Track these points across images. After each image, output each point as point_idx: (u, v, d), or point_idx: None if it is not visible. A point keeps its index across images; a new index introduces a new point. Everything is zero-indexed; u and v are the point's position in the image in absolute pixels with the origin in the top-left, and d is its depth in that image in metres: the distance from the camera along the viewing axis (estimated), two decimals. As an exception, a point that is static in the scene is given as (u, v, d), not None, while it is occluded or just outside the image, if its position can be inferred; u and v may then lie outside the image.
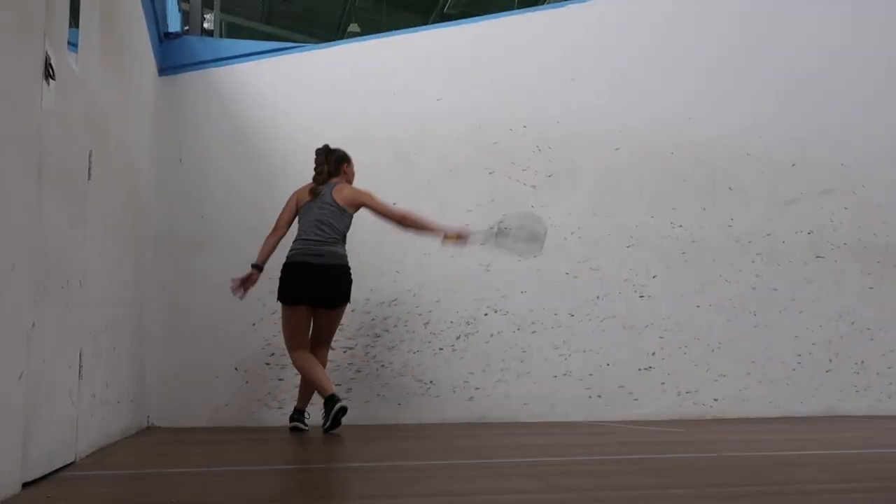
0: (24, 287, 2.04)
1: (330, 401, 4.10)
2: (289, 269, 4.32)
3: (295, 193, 4.50)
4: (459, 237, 4.46)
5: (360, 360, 5.20)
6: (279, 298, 4.34)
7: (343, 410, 4.08)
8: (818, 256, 5.95)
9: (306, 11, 17.01)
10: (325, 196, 4.39)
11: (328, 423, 4.09)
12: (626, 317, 5.59)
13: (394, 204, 4.73)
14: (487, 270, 5.48)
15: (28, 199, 2.09)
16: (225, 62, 5.43)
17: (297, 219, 4.46)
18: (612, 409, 5.46)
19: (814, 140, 6.07)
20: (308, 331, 4.38)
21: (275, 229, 4.45)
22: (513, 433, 4.27)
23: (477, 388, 5.33)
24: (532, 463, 2.81)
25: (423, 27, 5.94)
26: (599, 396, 5.47)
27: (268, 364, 5.11)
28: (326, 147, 4.54)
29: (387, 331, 5.25)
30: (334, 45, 5.74)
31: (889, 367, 5.93)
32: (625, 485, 2.20)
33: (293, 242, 4.40)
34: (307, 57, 5.59)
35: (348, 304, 4.44)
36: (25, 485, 2.10)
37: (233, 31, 16.69)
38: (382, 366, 5.21)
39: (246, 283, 4.43)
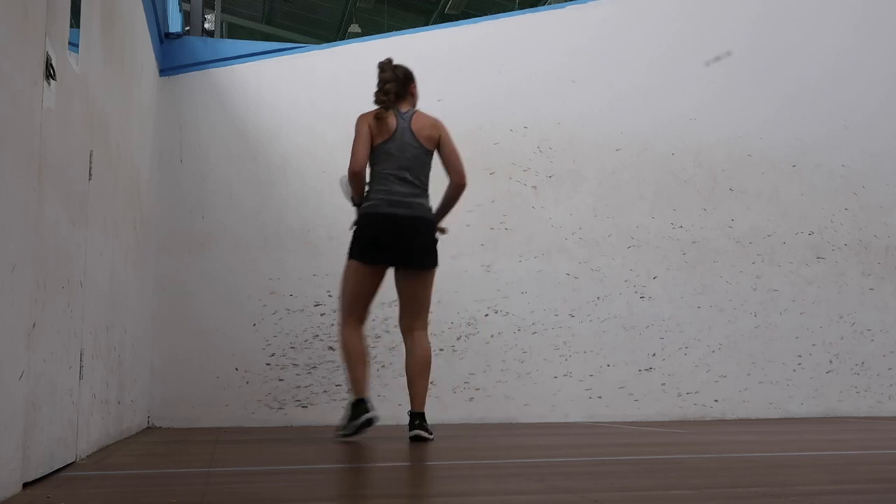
0: (25, 287, 2.04)
1: (359, 406, 3.63)
2: (369, 219, 3.66)
3: (364, 121, 3.73)
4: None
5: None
6: (351, 254, 3.72)
7: (370, 423, 3.62)
8: (819, 258, 5.95)
9: (307, 12, 17.02)
10: (404, 132, 3.72)
11: (346, 430, 3.64)
12: (627, 317, 5.59)
13: None
14: (488, 271, 5.48)
15: (28, 199, 2.09)
16: (225, 62, 5.43)
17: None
18: (613, 410, 5.46)
19: (814, 141, 6.07)
20: (370, 301, 3.76)
21: (356, 165, 3.65)
22: (513, 434, 4.27)
23: (477, 389, 5.33)
24: (532, 464, 2.81)
25: (424, 28, 5.94)
26: (600, 397, 5.47)
27: (268, 364, 5.11)
28: (390, 61, 3.81)
29: (387, 331, 5.24)
30: (335, 46, 5.74)
31: (889, 369, 5.93)
32: (625, 486, 2.20)
33: (371, 188, 3.75)
34: (308, 57, 5.59)
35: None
36: (26, 485, 2.10)
37: (233, 32, 16.70)
38: (383, 366, 5.20)
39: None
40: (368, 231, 3.67)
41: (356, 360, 3.69)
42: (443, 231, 3.92)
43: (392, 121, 3.74)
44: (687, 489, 2.11)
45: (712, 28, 6.11)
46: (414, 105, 3.90)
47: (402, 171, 3.69)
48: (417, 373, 3.71)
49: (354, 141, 3.71)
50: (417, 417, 3.66)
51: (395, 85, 3.77)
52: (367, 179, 3.77)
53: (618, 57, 5.92)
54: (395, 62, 3.86)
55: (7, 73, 1.92)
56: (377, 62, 3.85)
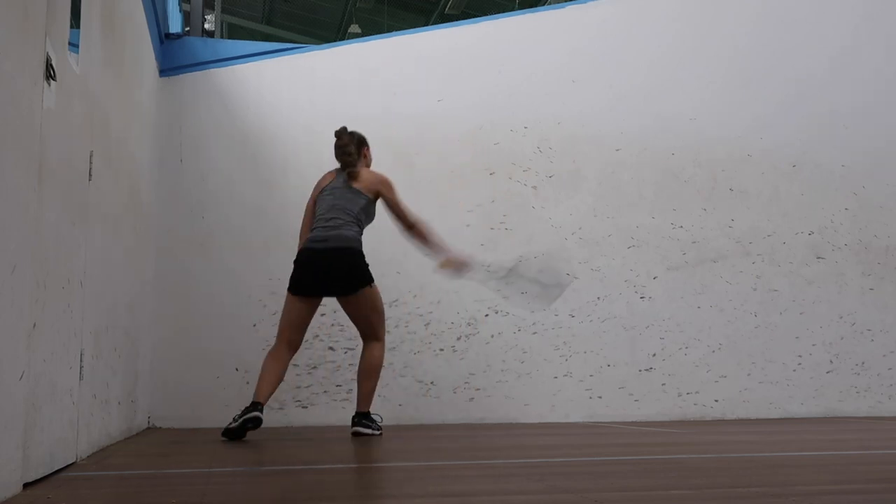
0: (25, 287, 2.04)
1: (252, 407, 3.83)
2: (297, 258, 4.13)
3: (315, 185, 4.31)
4: (460, 265, 4.31)
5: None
6: (288, 288, 4.13)
7: (255, 421, 3.79)
8: (819, 258, 5.95)
9: (307, 12, 17.02)
10: (338, 179, 4.21)
11: (234, 423, 3.81)
12: (627, 318, 5.59)
13: None
14: (488, 271, 5.47)
15: (29, 199, 2.09)
16: (226, 63, 5.43)
17: None
18: (613, 410, 5.46)
19: (814, 141, 6.07)
20: (302, 327, 4.10)
21: (303, 225, 4.25)
22: (513, 434, 4.27)
23: (477, 389, 5.33)
24: (532, 464, 2.81)
25: (424, 28, 5.95)
26: (600, 397, 5.47)
27: (268, 365, 5.11)
28: (344, 129, 4.28)
29: (388, 331, 5.23)
30: (335, 46, 5.75)
31: (889, 369, 5.93)
32: (625, 486, 2.20)
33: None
34: (308, 58, 5.59)
35: (370, 288, 4.10)
36: (26, 485, 2.10)
37: (234, 32, 16.70)
38: (383, 366, 5.19)
39: None
40: (297, 266, 4.11)
41: (270, 366, 4.02)
42: (461, 266, 4.29)
43: (335, 175, 4.26)
44: (687, 489, 2.11)
45: (712, 28, 6.11)
46: (367, 166, 4.37)
47: (330, 211, 4.13)
48: (361, 377, 4.14)
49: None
50: (357, 416, 4.09)
51: (352, 148, 4.24)
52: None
53: (618, 57, 5.92)
54: (350, 129, 4.32)
55: (7, 74, 1.92)
56: (333, 131, 4.28)
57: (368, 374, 4.15)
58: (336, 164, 4.35)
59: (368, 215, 4.22)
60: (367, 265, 4.12)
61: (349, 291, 4.06)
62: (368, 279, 4.09)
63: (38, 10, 2.17)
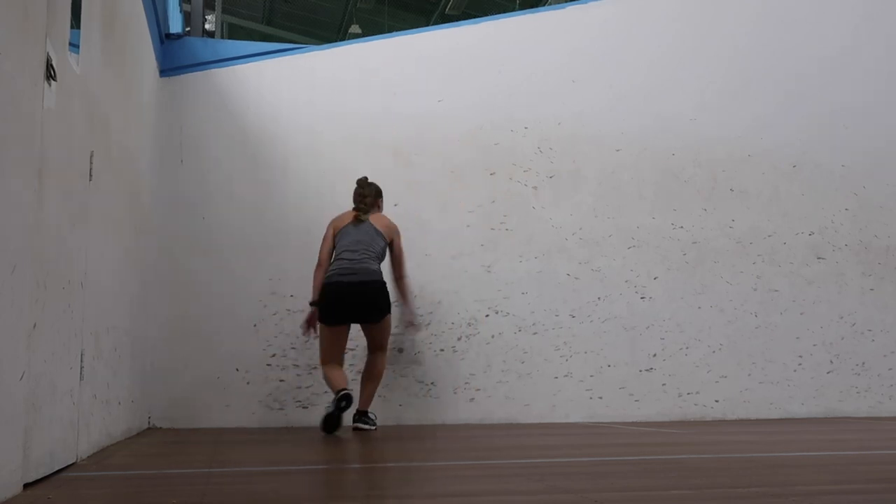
0: (26, 288, 2.05)
1: (339, 394, 4.20)
2: (326, 289, 4.42)
3: (331, 223, 4.63)
4: (411, 326, 4.85)
5: (361, 362, 5.19)
6: (319, 318, 4.46)
7: (347, 398, 4.16)
8: (819, 258, 5.95)
9: (308, 13, 17.02)
10: (365, 222, 4.57)
11: (332, 407, 4.17)
12: (627, 318, 5.59)
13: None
14: (488, 272, 5.48)
15: (29, 199, 2.09)
16: (226, 63, 5.43)
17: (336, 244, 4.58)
18: (613, 411, 5.46)
19: (814, 142, 6.07)
20: (343, 349, 4.52)
21: (319, 264, 4.54)
22: (514, 434, 4.27)
23: (478, 390, 5.33)
24: (533, 464, 2.81)
25: (424, 28, 5.94)
26: (600, 398, 5.47)
27: (269, 365, 5.11)
28: (366, 179, 4.73)
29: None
30: (335, 47, 5.75)
31: (890, 369, 5.93)
32: (625, 486, 2.20)
33: (331, 264, 4.51)
34: (308, 58, 5.59)
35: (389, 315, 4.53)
36: (27, 485, 2.10)
37: (234, 33, 16.70)
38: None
39: (311, 321, 4.58)
40: (325, 299, 4.43)
41: (335, 374, 4.40)
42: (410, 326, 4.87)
43: (354, 215, 4.60)
44: (687, 489, 2.11)
45: (712, 28, 6.11)
46: (379, 212, 4.76)
47: (355, 245, 4.48)
48: (366, 379, 4.59)
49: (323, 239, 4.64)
50: (358, 414, 4.53)
51: (371, 199, 4.66)
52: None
53: (618, 57, 5.92)
54: (370, 180, 4.76)
55: (7, 74, 1.92)
56: (356, 179, 4.73)
57: (373, 378, 4.57)
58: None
59: (384, 255, 4.59)
60: (388, 294, 4.51)
61: (375, 319, 4.48)
62: (389, 308, 4.51)
63: (39, 11, 2.17)
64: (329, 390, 4.55)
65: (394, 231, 4.64)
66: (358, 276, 4.40)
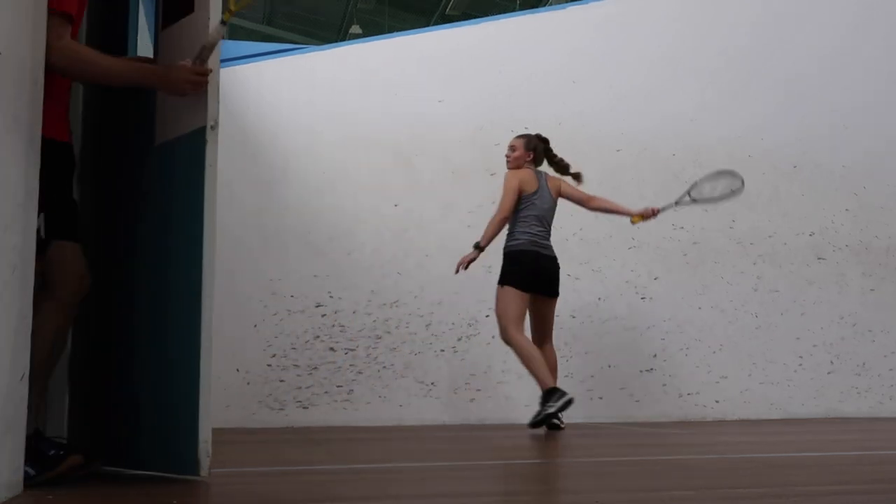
0: (27, 289, 2.04)
1: (553, 392, 4.22)
2: (524, 255, 4.50)
3: (516, 178, 4.57)
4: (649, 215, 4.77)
5: (362, 362, 5.20)
6: (509, 282, 4.47)
7: (569, 403, 4.20)
8: (820, 258, 5.95)
9: (308, 13, 17.03)
10: (543, 191, 4.60)
11: (544, 414, 4.19)
12: (628, 318, 5.59)
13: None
14: (489, 272, 5.47)
15: (29, 199, 2.09)
16: (226, 63, 5.42)
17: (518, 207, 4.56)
18: (614, 411, 5.45)
19: (815, 142, 6.07)
20: (524, 318, 4.55)
21: (501, 213, 4.53)
22: (514, 435, 4.27)
23: (478, 390, 5.33)
24: (533, 464, 2.81)
25: (425, 29, 5.95)
26: (601, 398, 5.47)
27: (269, 365, 5.11)
28: (538, 135, 4.73)
29: (388, 332, 5.25)
30: (336, 47, 5.75)
31: (890, 369, 5.92)
32: (626, 486, 2.20)
33: (517, 230, 4.54)
34: (309, 58, 5.59)
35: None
36: (27, 485, 2.10)
37: (234, 33, 16.68)
38: (384, 367, 5.20)
39: (466, 261, 4.60)
40: (522, 265, 4.50)
41: (539, 363, 4.38)
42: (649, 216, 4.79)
43: (538, 181, 4.60)
44: (688, 490, 2.11)
45: (712, 28, 6.11)
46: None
47: (540, 222, 4.59)
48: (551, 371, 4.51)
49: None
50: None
51: (537, 153, 4.69)
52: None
53: (618, 57, 5.92)
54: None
55: (7, 73, 1.92)
56: (535, 135, 4.74)
57: (554, 370, 4.56)
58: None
59: None
60: None
61: (556, 294, 4.63)
62: None
63: (39, 10, 2.17)
64: (531, 373, 4.43)
65: (556, 184, 4.67)
66: (549, 252, 4.59)
